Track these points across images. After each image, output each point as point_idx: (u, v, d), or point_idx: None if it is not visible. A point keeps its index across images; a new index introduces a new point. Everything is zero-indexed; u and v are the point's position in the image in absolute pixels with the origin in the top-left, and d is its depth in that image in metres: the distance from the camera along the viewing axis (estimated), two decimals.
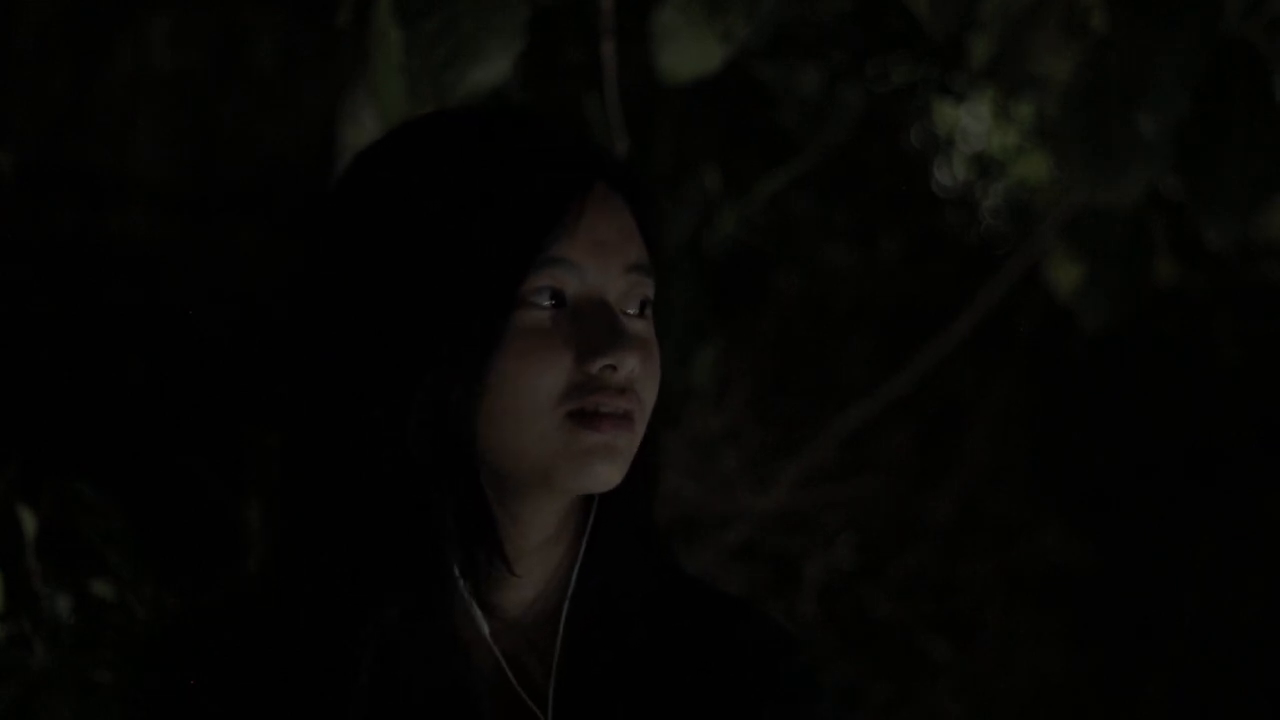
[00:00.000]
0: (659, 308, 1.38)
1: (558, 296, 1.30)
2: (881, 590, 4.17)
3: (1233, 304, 4.76)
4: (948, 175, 4.84)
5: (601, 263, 1.32)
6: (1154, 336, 4.70)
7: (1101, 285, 3.16)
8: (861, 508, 4.04)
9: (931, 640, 4.22)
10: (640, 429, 1.33)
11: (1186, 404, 4.76)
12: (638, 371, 1.32)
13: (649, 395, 1.34)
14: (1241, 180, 2.66)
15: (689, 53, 2.74)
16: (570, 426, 1.29)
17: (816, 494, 3.93)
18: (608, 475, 1.31)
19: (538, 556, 1.35)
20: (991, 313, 3.89)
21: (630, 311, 1.34)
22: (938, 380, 4.06)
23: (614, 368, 1.30)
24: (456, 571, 1.32)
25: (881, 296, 4.57)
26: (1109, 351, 4.62)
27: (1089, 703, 4.57)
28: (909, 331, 4.10)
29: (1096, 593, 4.60)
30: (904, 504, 4.24)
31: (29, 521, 2.17)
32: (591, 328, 1.30)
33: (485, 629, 1.33)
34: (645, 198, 1.37)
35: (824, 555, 3.99)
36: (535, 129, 1.35)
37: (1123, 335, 4.29)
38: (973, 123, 4.80)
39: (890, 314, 4.55)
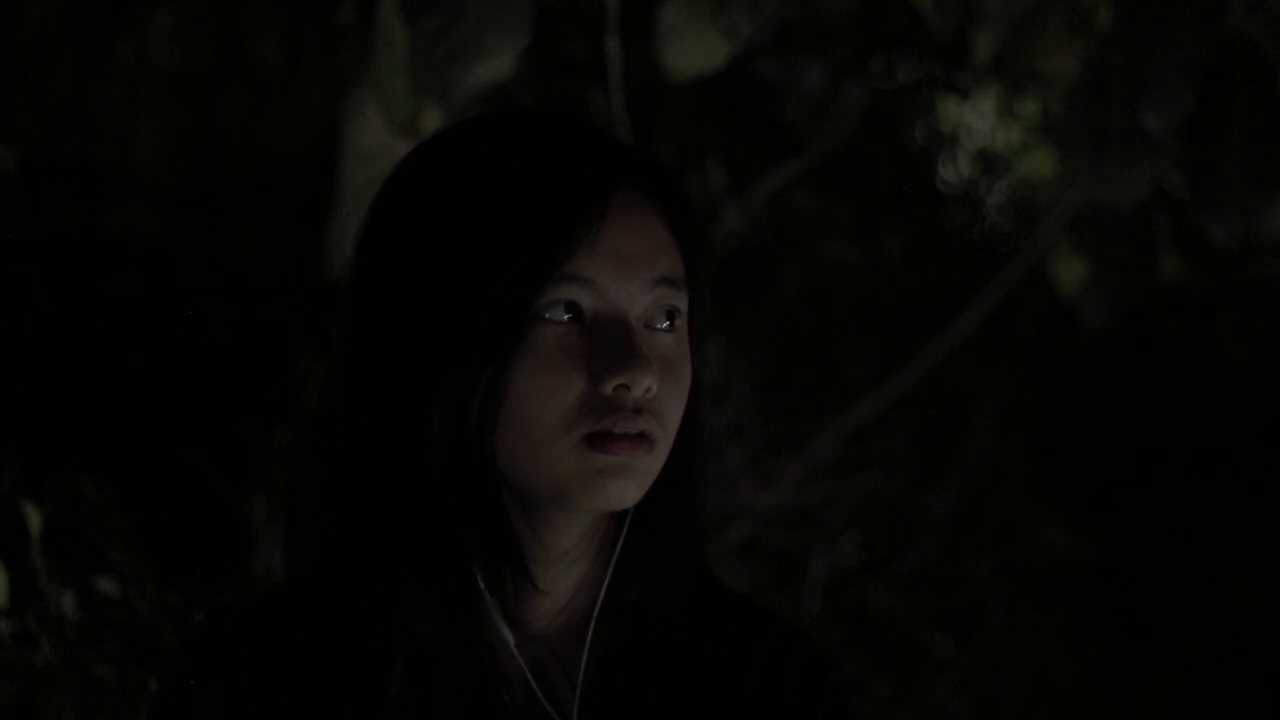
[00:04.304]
0: (698, 317, 1.34)
1: (575, 312, 1.28)
2: (884, 586, 4.17)
3: (1234, 301, 4.76)
4: (952, 172, 4.85)
5: (623, 278, 1.28)
6: (1156, 333, 4.70)
7: (1104, 282, 3.16)
8: (864, 504, 4.04)
9: (933, 636, 4.22)
10: (662, 447, 1.30)
11: (1188, 401, 4.76)
12: (655, 390, 1.28)
13: (672, 413, 1.31)
14: (1244, 177, 2.66)
15: (693, 49, 2.75)
16: (584, 449, 1.27)
17: (819, 490, 3.93)
18: (623, 494, 1.29)
19: (562, 569, 1.34)
20: (994, 309, 3.89)
21: (658, 326, 1.31)
22: (940, 377, 4.06)
23: (628, 387, 1.27)
24: (481, 584, 1.31)
25: (884, 293, 4.57)
26: (1111, 348, 4.62)
27: (1089, 699, 4.58)
28: (912, 328, 4.10)
29: (1098, 590, 4.60)
30: (906, 500, 4.24)
31: (34, 518, 2.17)
32: (606, 346, 1.27)
33: (511, 640, 1.32)
34: (680, 204, 1.33)
35: (827, 551, 3.99)
36: (559, 138, 1.32)
37: (1125, 332, 4.29)
38: (977, 119, 4.80)
39: (893, 310, 4.55)
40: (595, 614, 1.35)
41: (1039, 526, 4.46)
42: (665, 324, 1.31)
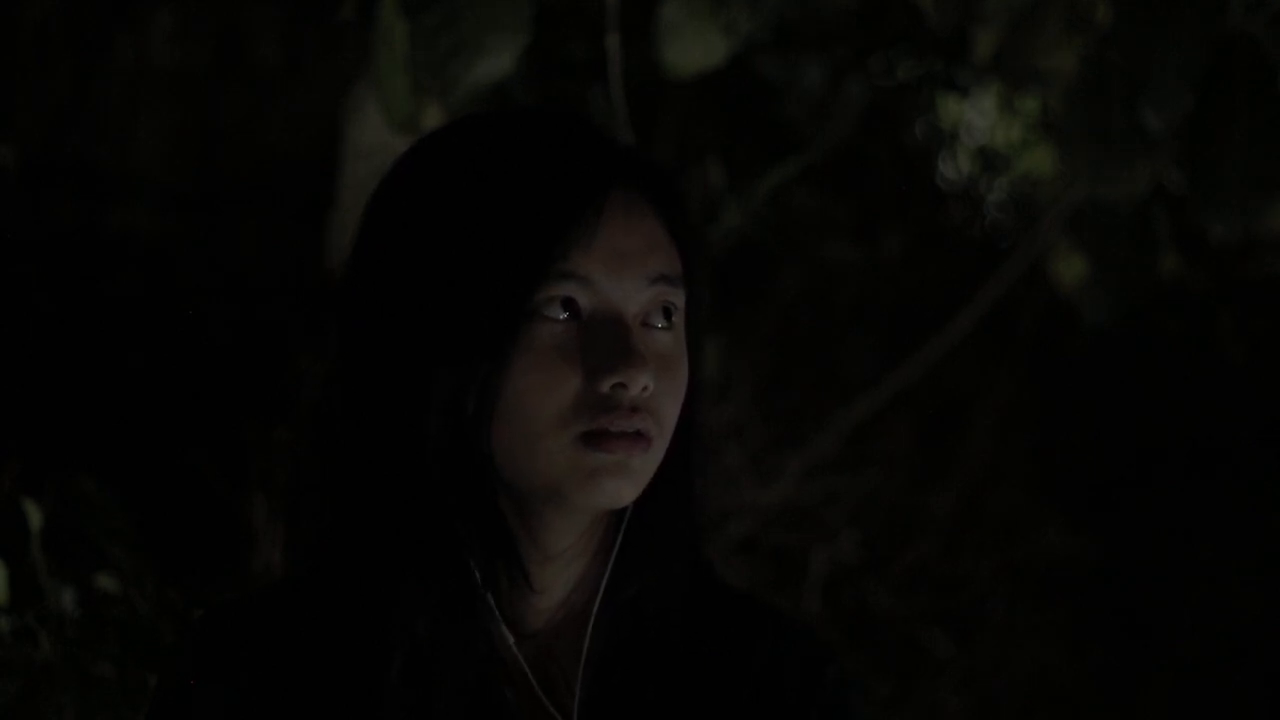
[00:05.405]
0: (695, 315, 1.34)
1: (571, 309, 1.28)
2: (884, 586, 4.17)
3: (1234, 301, 4.77)
4: (952, 169, 4.85)
5: (618, 275, 1.28)
6: (1156, 333, 4.71)
7: (1104, 280, 3.16)
8: (864, 503, 4.04)
9: (933, 636, 4.22)
10: (659, 446, 1.30)
11: (1188, 399, 4.76)
12: (652, 389, 1.28)
13: (669, 411, 1.30)
14: (1244, 176, 2.66)
15: (693, 47, 2.75)
16: (580, 447, 1.27)
17: (819, 489, 3.93)
18: (619, 492, 1.29)
19: (559, 569, 1.34)
20: (994, 308, 3.89)
21: (655, 324, 1.30)
22: (940, 375, 4.06)
23: (624, 386, 1.27)
24: (479, 581, 1.31)
25: (884, 291, 4.58)
26: (1111, 348, 4.62)
27: (1089, 699, 4.58)
28: (912, 326, 4.10)
29: (1098, 589, 4.60)
30: (906, 499, 4.24)
31: (34, 516, 2.18)
32: (602, 344, 1.27)
33: (510, 638, 1.32)
34: (676, 203, 1.33)
35: (827, 550, 3.99)
36: (555, 137, 1.32)
37: (1125, 332, 4.29)
38: (977, 117, 4.81)
39: (893, 308, 4.55)
40: (594, 612, 1.34)
41: (1039, 526, 4.45)
42: (663, 322, 1.30)
